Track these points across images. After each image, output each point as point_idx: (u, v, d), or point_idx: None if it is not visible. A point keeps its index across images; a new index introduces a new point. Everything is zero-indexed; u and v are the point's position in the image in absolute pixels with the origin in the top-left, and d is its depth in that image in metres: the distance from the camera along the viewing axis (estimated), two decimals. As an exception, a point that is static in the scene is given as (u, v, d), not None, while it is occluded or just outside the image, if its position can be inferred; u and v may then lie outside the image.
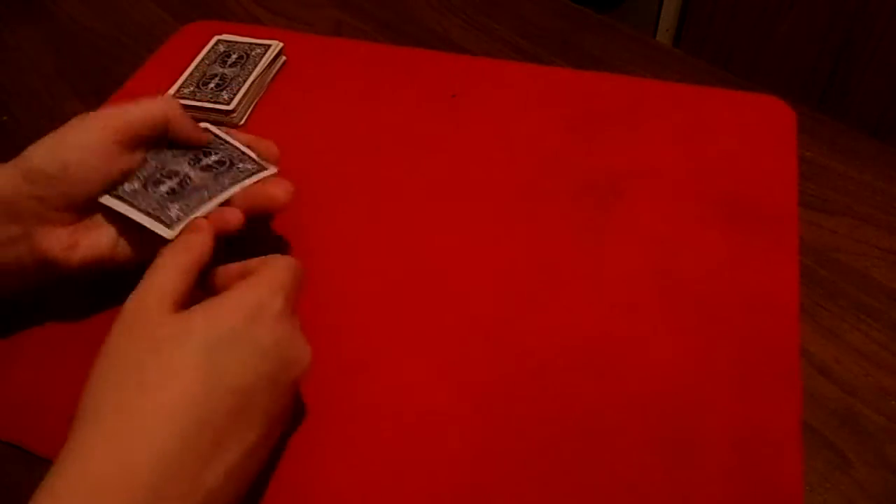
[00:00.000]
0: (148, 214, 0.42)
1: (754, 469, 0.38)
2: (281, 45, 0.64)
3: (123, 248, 0.44)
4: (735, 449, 0.39)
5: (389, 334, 0.45)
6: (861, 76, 1.22)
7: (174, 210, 0.42)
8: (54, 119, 0.61)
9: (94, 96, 0.64)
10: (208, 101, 0.59)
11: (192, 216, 0.42)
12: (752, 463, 0.38)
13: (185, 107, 0.60)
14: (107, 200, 0.43)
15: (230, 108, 0.58)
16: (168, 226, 0.42)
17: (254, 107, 0.61)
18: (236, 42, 0.65)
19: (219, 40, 0.65)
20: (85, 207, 0.43)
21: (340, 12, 0.72)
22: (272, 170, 0.47)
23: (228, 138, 0.48)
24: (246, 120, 0.60)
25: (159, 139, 0.45)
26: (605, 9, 1.63)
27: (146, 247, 0.43)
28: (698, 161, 0.54)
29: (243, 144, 0.48)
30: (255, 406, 0.34)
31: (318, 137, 0.58)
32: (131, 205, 0.43)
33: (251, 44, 0.64)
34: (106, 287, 0.47)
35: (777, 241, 0.48)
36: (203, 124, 0.47)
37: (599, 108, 0.58)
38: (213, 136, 0.47)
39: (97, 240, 0.44)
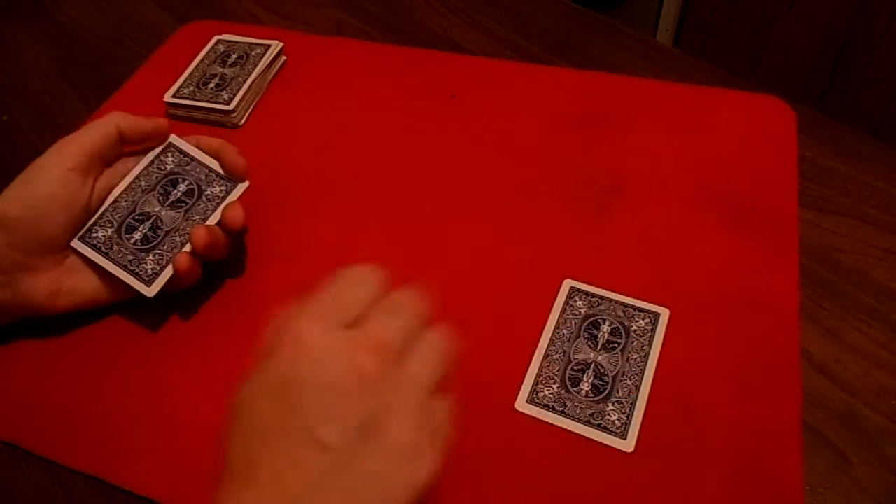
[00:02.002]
0: (124, 268, 0.44)
1: (754, 469, 0.38)
2: (281, 45, 0.64)
3: (105, 291, 0.46)
4: (735, 449, 0.39)
5: (389, 334, 0.45)
6: (861, 76, 1.22)
7: (149, 263, 0.44)
8: (54, 119, 0.61)
9: (94, 96, 0.64)
10: (208, 101, 0.59)
11: (168, 269, 0.44)
12: (752, 463, 0.38)
13: (185, 107, 0.60)
14: (79, 247, 0.44)
15: (230, 108, 0.58)
16: (146, 282, 0.44)
17: (254, 107, 0.61)
18: (236, 42, 0.65)
19: (219, 40, 0.65)
20: (61, 249, 0.44)
21: (340, 12, 0.72)
22: (242, 186, 0.47)
23: (194, 153, 0.48)
24: (246, 120, 0.60)
25: (116, 157, 0.46)
26: (605, 9, 1.63)
27: (128, 289, 0.45)
28: (698, 161, 0.53)
29: (212, 153, 0.48)
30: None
31: (317, 137, 0.58)
32: (107, 256, 0.44)
33: (251, 44, 0.64)
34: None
35: (777, 241, 0.48)
36: (171, 136, 0.48)
37: (599, 108, 0.58)
38: (179, 154, 0.47)
39: (79, 285, 0.45)
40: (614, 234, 0.50)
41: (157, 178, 0.47)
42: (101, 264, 0.44)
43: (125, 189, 0.46)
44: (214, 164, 0.47)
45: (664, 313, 0.44)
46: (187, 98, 0.60)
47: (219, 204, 0.46)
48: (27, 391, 0.44)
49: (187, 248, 0.45)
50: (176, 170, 0.46)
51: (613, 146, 0.55)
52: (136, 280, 0.44)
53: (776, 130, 0.55)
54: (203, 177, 0.47)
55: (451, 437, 0.30)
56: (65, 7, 0.76)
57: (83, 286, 0.45)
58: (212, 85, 0.61)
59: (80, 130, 0.45)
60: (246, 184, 0.47)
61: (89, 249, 0.44)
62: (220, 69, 0.62)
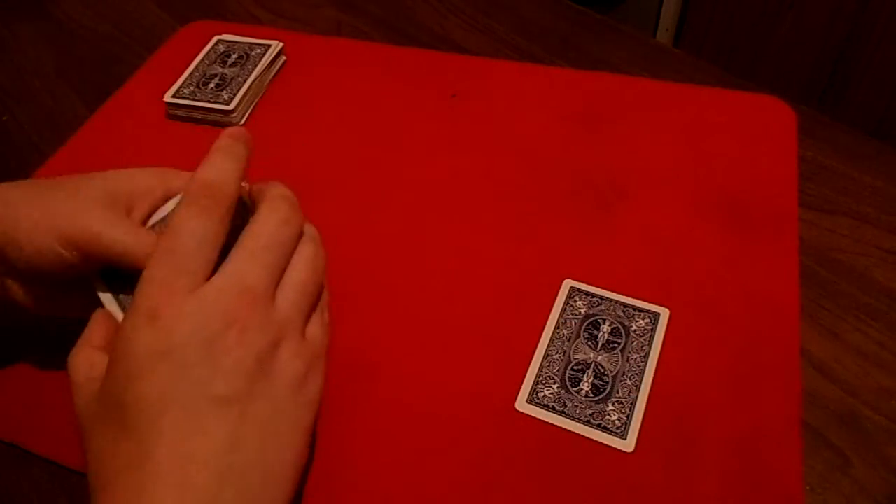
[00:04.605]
0: (120, 304, 0.37)
1: (754, 469, 0.38)
2: (281, 45, 0.64)
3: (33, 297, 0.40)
4: (735, 449, 0.39)
5: (389, 334, 0.45)
6: (861, 76, 1.22)
7: None
8: (54, 119, 0.60)
9: (95, 96, 0.64)
10: (208, 101, 0.59)
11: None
12: (752, 463, 0.38)
13: (185, 107, 0.60)
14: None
15: (230, 108, 0.58)
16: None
17: (254, 107, 0.61)
18: (236, 42, 0.65)
19: (219, 40, 0.65)
20: (54, 283, 0.39)
21: (340, 12, 0.72)
22: None
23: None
24: (246, 120, 0.60)
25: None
26: (605, 9, 1.63)
27: (56, 304, 0.40)
28: (698, 161, 0.53)
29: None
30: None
31: (317, 137, 0.58)
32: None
33: (251, 44, 0.64)
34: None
35: (777, 241, 0.48)
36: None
37: (599, 108, 0.58)
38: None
39: (70, 302, 0.40)
40: (614, 234, 0.50)
41: None
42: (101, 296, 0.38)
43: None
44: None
45: (664, 313, 0.44)
46: (187, 98, 0.60)
47: None
48: (27, 391, 0.44)
49: None
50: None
51: (613, 146, 0.55)
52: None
53: (776, 130, 0.55)
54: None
55: (327, 347, 0.36)
56: (65, 7, 0.76)
57: (74, 304, 0.40)
58: (212, 85, 0.61)
59: (105, 231, 0.36)
60: None
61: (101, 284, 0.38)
62: (220, 69, 0.62)
